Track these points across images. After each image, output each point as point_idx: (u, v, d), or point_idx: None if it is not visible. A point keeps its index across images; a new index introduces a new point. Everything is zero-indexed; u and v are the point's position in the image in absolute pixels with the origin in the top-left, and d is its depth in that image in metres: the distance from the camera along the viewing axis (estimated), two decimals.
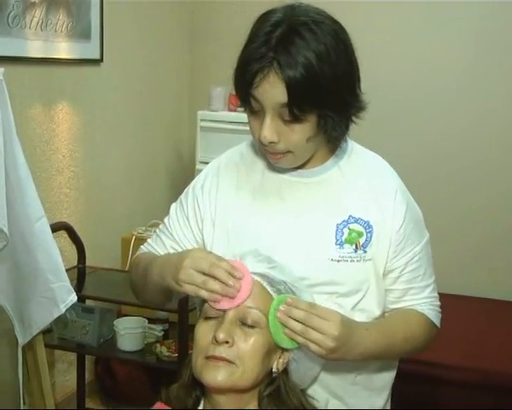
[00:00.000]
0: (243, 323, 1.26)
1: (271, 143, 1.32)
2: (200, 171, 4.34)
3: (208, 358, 1.24)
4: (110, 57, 3.35)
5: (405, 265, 1.43)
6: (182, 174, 4.21)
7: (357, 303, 1.40)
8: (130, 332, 2.75)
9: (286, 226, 1.41)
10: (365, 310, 1.40)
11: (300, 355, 1.30)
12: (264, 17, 1.33)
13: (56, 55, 3.00)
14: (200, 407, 1.33)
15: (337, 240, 1.38)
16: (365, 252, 1.39)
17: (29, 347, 2.23)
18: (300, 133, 1.31)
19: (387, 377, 1.51)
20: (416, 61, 3.89)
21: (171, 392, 1.36)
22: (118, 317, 2.97)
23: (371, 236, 1.39)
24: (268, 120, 1.30)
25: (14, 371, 2.50)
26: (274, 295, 1.29)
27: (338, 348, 1.25)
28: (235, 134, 3.70)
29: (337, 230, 1.39)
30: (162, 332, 2.85)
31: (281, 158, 1.37)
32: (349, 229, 1.39)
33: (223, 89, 3.75)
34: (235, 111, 3.74)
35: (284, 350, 1.29)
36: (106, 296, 2.88)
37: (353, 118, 1.38)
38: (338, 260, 1.38)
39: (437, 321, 1.50)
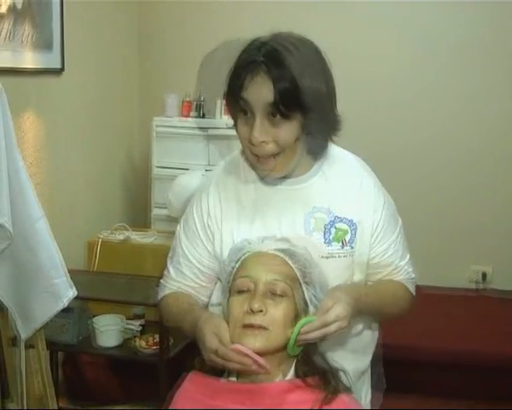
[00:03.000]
0: (273, 293, 1.45)
1: (262, 142, 1.48)
2: (158, 176, 4.41)
3: (245, 326, 1.42)
4: (70, 67, 3.45)
5: (385, 250, 1.65)
6: (135, 179, 4.33)
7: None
8: (109, 329, 2.87)
9: (282, 231, 1.58)
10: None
11: None
12: (251, 41, 1.52)
13: (23, 66, 3.09)
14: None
15: (325, 239, 1.59)
16: (352, 248, 1.60)
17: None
18: (288, 131, 1.48)
19: (368, 338, 1.72)
20: (387, 62, 4.04)
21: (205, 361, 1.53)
22: None
23: (355, 232, 1.60)
24: (258, 121, 1.47)
25: None
26: (293, 266, 1.48)
27: (350, 320, 1.46)
28: (190, 140, 3.87)
29: (325, 230, 1.59)
30: (140, 328, 2.98)
31: (271, 162, 1.52)
32: (335, 228, 1.59)
33: (176, 96, 3.90)
34: (188, 117, 3.92)
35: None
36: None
37: (332, 137, 1.58)
38: (327, 257, 1.58)
39: (413, 290, 1.72)
